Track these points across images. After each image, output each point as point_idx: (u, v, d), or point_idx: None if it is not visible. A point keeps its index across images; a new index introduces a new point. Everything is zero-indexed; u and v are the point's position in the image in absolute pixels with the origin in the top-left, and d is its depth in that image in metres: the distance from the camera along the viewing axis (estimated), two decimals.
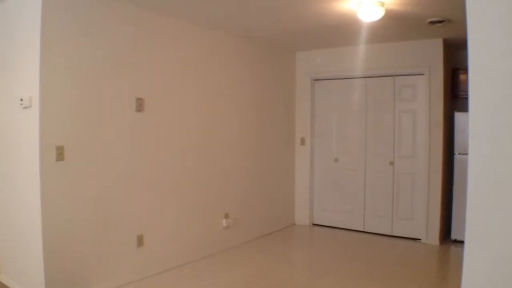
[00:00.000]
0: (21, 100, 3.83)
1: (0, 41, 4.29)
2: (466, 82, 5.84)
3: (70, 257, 3.96)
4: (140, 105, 4.49)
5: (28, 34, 3.85)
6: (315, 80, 6.99)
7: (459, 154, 5.87)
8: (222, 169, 5.60)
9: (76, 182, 3.97)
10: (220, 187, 5.58)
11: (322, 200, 7.00)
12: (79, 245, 4.01)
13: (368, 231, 6.55)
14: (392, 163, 6.31)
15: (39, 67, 3.68)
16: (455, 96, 6.35)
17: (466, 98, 2.49)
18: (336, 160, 6.81)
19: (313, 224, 7.06)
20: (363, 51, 6.40)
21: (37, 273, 3.84)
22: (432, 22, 4.90)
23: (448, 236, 6.08)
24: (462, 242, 5.19)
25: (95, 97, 4.10)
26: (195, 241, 5.21)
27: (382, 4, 4.23)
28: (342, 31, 5.47)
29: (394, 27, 5.21)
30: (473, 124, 2.08)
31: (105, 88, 4.19)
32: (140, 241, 4.53)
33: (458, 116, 5.91)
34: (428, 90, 5.93)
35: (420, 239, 6.07)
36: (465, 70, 5.37)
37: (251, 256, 5.43)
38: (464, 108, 5.84)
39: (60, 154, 3.80)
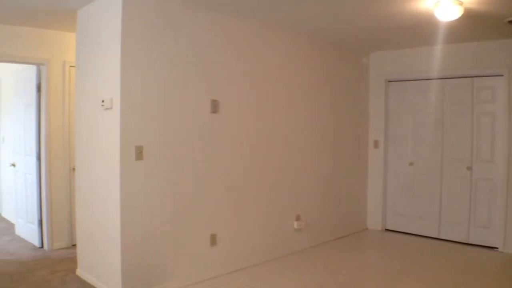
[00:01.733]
0: (103, 101, 4.05)
1: (84, 44, 4.56)
2: None
3: (146, 253, 4.13)
4: (215, 106, 4.60)
5: (109, 37, 4.06)
6: (390, 81, 6.85)
7: None
8: (295, 170, 5.61)
9: (154, 181, 4.14)
10: (292, 189, 5.59)
11: (395, 205, 6.84)
12: (155, 241, 4.17)
13: (442, 238, 6.33)
14: (469, 168, 6.06)
15: (119, 69, 3.88)
16: None
17: None
18: (411, 164, 6.63)
19: (386, 230, 6.92)
20: (440, 51, 6.21)
21: (115, 268, 4.03)
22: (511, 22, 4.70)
23: None
24: None
25: (172, 99, 4.26)
26: (266, 242, 5.25)
27: (461, 3, 4.09)
28: (418, 31, 5.34)
29: (472, 26, 5.02)
30: None
31: (182, 90, 4.33)
32: (213, 240, 4.64)
33: None
34: (508, 91, 5.66)
35: (497, 248, 5.79)
36: None
37: (321, 260, 5.40)
38: None
39: (139, 153, 3.98)
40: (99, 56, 4.26)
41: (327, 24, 5.17)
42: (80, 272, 4.68)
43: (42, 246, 5.73)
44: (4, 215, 7.83)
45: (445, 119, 6.31)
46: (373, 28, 5.27)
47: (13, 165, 6.37)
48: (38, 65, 5.60)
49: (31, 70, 5.76)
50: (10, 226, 6.98)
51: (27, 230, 6.06)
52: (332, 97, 6.20)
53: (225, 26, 4.72)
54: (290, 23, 5.14)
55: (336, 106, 6.27)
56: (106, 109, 4.03)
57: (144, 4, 4.03)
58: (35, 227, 5.78)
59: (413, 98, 6.65)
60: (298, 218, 5.63)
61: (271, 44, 5.26)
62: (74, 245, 5.56)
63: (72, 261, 5.08)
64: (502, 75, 5.73)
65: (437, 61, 6.26)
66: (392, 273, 4.93)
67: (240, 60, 4.90)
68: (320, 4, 4.36)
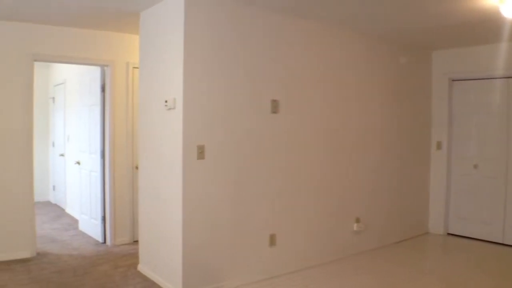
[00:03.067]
0: (166, 101, 4.13)
1: (147, 45, 4.67)
2: None
3: (206, 252, 4.18)
4: (275, 106, 4.60)
5: (172, 39, 4.13)
6: (453, 80, 6.62)
7: None
8: (355, 172, 5.52)
9: (214, 180, 4.18)
10: (352, 191, 5.51)
11: (459, 208, 6.60)
12: (215, 240, 4.22)
13: (508, 243, 6.05)
14: None
15: (182, 70, 3.94)
16: None
17: None
18: (475, 166, 6.38)
19: (448, 234, 6.70)
20: (506, 49, 5.94)
21: (176, 265, 4.11)
22: None
23: None
24: None
25: (233, 99, 4.29)
26: (325, 244, 5.20)
27: None
28: (483, 28, 5.13)
29: None
30: None
31: (242, 90, 4.36)
32: (272, 240, 4.64)
33: None
34: None
35: None
36: None
37: (381, 263, 5.29)
38: None
39: (201, 153, 4.03)
40: (162, 57, 4.34)
41: (389, 22, 5.06)
42: (142, 267, 4.79)
43: (104, 242, 5.92)
44: (68, 211, 8.13)
45: (511, 119, 6.04)
46: (436, 26, 5.11)
47: (78, 163, 6.61)
48: (103, 66, 5.79)
49: (95, 71, 5.96)
50: (74, 221, 7.25)
51: (91, 226, 6.27)
52: (393, 97, 6.06)
53: (286, 26, 4.70)
54: (352, 22, 5.06)
55: (397, 106, 6.12)
56: (169, 109, 4.11)
57: (206, 6, 4.08)
58: (98, 223, 5.98)
59: (478, 98, 6.39)
60: (358, 220, 5.54)
61: (332, 44, 5.20)
62: (136, 241, 5.72)
63: (133, 257, 5.22)
64: None
65: (503, 60, 5.99)
66: (454, 279, 4.76)
67: (301, 60, 4.87)
68: (386, 2, 4.27)
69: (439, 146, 6.67)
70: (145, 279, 4.58)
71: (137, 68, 5.65)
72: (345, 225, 5.45)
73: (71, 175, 7.82)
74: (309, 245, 5.01)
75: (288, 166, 4.78)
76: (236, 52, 4.30)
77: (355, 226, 5.51)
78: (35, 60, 5.36)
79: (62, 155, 8.41)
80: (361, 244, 5.62)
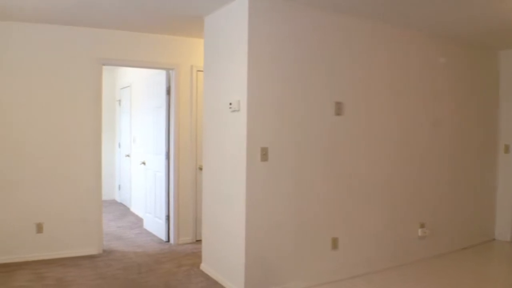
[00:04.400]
0: (230, 104, 4.19)
1: (211, 49, 4.75)
2: None
3: (269, 253, 4.20)
4: (339, 109, 4.57)
5: (236, 42, 4.19)
6: None
7: None
8: (419, 176, 5.38)
9: (278, 182, 4.20)
10: (416, 195, 5.36)
11: None
12: (278, 241, 4.23)
13: None
14: None
15: (246, 73, 3.99)
16: None
17: None
18: None
19: None
20: None
21: (238, 266, 4.15)
22: None
23: None
24: None
25: (296, 101, 4.30)
26: (388, 249, 5.10)
27: None
28: None
29: None
30: None
31: (306, 92, 4.36)
32: (334, 244, 4.61)
33: None
34: None
35: None
36: None
37: (445, 270, 5.12)
38: None
39: (264, 155, 4.07)
40: (226, 60, 4.42)
41: (454, 22, 4.91)
42: (204, 267, 4.88)
43: (168, 240, 6.07)
44: (132, 210, 8.40)
45: None
46: (502, 24, 4.91)
47: (144, 163, 6.81)
48: (168, 70, 5.95)
49: (160, 74, 6.13)
50: (139, 220, 7.48)
51: (155, 224, 6.45)
52: (458, 99, 5.86)
53: (348, 27, 4.66)
54: (415, 22, 4.94)
55: (462, 108, 5.92)
56: (234, 111, 4.17)
57: (269, 9, 4.11)
58: (162, 222, 6.14)
59: None
60: (422, 225, 5.40)
61: (395, 45, 5.09)
62: (198, 241, 5.84)
63: (196, 256, 5.32)
64: None
65: None
66: None
67: (365, 61, 4.81)
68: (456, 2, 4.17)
69: (507, 149, 6.39)
70: (207, 278, 4.66)
71: (200, 71, 5.80)
72: (409, 230, 5.32)
73: (136, 175, 8.08)
74: (372, 249, 4.94)
75: (351, 169, 4.72)
76: (300, 53, 4.30)
77: (419, 232, 5.38)
78: (104, 64, 5.59)
79: (127, 155, 8.71)
80: (425, 250, 5.47)
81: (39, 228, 5.21)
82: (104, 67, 5.60)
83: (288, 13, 4.22)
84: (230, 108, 4.20)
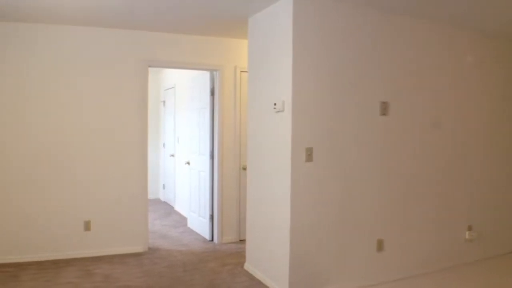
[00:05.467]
0: (275, 104, 4.20)
1: (255, 49, 4.78)
2: None
3: (313, 254, 4.18)
4: (384, 108, 4.50)
5: (281, 42, 4.19)
6: None
7: None
8: (466, 177, 5.23)
9: (322, 183, 4.18)
10: (464, 197, 5.22)
11: None
12: (322, 242, 4.21)
13: None
14: None
15: (291, 73, 3.99)
16: None
17: None
18: None
19: None
20: None
21: (282, 266, 4.15)
22: None
23: None
24: None
25: (341, 101, 4.26)
26: (435, 251, 4.97)
27: None
28: None
29: None
30: None
31: (350, 92, 4.32)
32: (379, 245, 4.54)
33: None
34: None
35: None
36: None
37: (492, 274, 4.96)
38: None
39: (309, 155, 4.05)
40: (270, 61, 4.43)
41: (509, 22, 4.76)
42: (248, 266, 4.90)
43: (212, 240, 6.13)
44: (177, 209, 8.53)
45: None
46: None
47: (188, 163, 6.90)
48: (212, 71, 6.01)
49: (204, 75, 6.20)
50: (183, 219, 7.58)
51: (199, 223, 6.52)
52: (507, 98, 5.68)
53: (394, 25, 4.58)
54: (466, 21, 4.83)
55: (510, 106, 5.74)
56: (278, 111, 4.17)
57: (314, 8, 4.09)
58: (206, 221, 6.21)
59: None
60: (470, 228, 5.26)
61: (441, 43, 4.96)
62: (242, 240, 5.87)
63: (240, 256, 5.35)
64: None
65: None
66: None
67: (410, 60, 4.71)
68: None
69: None
70: (251, 277, 4.69)
71: (244, 72, 5.83)
72: (456, 232, 5.19)
73: (180, 174, 8.20)
74: (418, 252, 4.84)
75: (397, 170, 4.64)
76: (344, 53, 4.27)
77: (467, 234, 5.24)
78: (150, 66, 5.69)
79: (172, 155, 8.85)
80: (472, 253, 5.32)
81: (87, 225, 5.36)
82: (149, 68, 5.70)
83: (334, 12, 4.19)
84: (275, 108, 4.20)
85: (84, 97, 5.32)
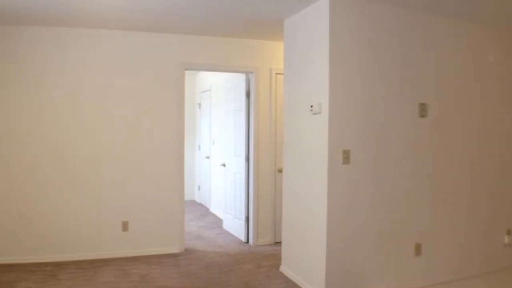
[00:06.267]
0: (311, 106, 4.18)
1: (291, 51, 4.77)
2: None
3: (349, 257, 4.14)
4: (423, 110, 4.43)
5: (317, 44, 4.17)
6: None
7: None
8: (506, 181, 5.09)
9: (359, 185, 4.14)
10: (503, 201, 5.08)
11: None
12: (358, 246, 4.17)
13: None
14: None
15: (328, 75, 3.97)
16: None
17: None
18: None
19: None
20: None
21: (319, 269, 4.13)
22: None
23: None
24: None
25: (379, 103, 4.21)
26: (473, 256, 4.85)
27: None
28: None
29: None
30: None
31: (388, 94, 4.26)
32: (417, 250, 4.46)
33: None
34: None
35: None
36: None
37: None
38: None
39: (346, 157, 4.02)
40: (307, 63, 4.41)
41: None
42: (284, 269, 4.89)
43: (247, 241, 6.14)
44: (212, 210, 8.59)
45: None
46: None
47: (223, 165, 6.94)
48: (247, 73, 6.03)
49: (240, 78, 6.23)
50: (218, 220, 7.63)
51: (234, 225, 6.55)
52: None
53: (434, 26, 4.50)
54: (501, 20, 4.70)
55: None
56: (315, 113, 4.16)
57: (350, 10, 4.07)
58: (241, 223, 6.23)
59: None
60: (509, 232, 5.12)
61: (480, 43, 4.86)
62: (277, 243, 5.88)
63: (275, 258, 5.35)
64: None
65: None
66: None
67: (449, 61, 4.62)
68: None
69: None
70: (287, 280, 4.68)
71: (280, 74, 5.83)
72: (495, 237, 5.05)
73: (216, 176, 8.25)
74: (456, 256, 4.73)
75: (436, 173, 4.56)
76: (381, 55, 4.22)
77: (506, 238, 5.09)
78: (186, 69, 5.77)
79: (207, 157, 8.92)
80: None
81: (125, 226, 5.45)
82: (185, 71, 5.77)
83: (370, 13, 4.15)
84: (311, 110, 4.18)
85: (123, 100, 5.43)
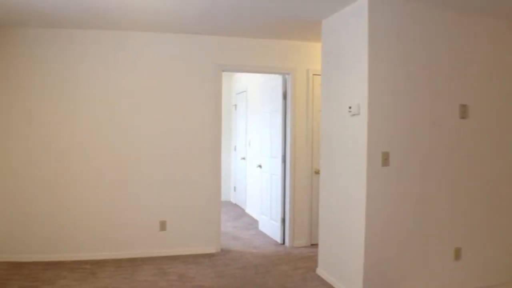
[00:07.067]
0: (350, 107, 4.14)
1: (329, 52, 4.74)
2: None
3: (388, 261, 4.08)
4: (464, 111, 4.32)
5: (356, 45, 4.13)
6: None
7: None
8: None
9: (398, 188, 4.08)
10: None
11: None
12: (397, 249, 4.10)
13: None
14: None
15: (367, 76, 3.92)
16: None
17: None
18: None
19: None
20: None
21: (356, 273, 4.08)
22: None
23: None
24: None
25: (418, 104, 4.14)
26: None
27: None
28: None
29: None
30: None
31: (428, 95, 4.18)
32: (457, 254, 4.35)
33: None
34: None
35: None
36: None
37: None
38: None
39: (385, 160, 3.97)
40: (345, 63, 4.37)
41: None
42: (320, 271, 4.86)
43: (283, 243, 6.13)
44: (247, 211, 8.61)
45: None
46: None
47: (260, 166, 6.95)
48: (284, 74, 6.02)
49: (276, 79, 6.23)
50: (254, 221, 7.64)
51: (270, 226, 6.55)
52: None
53: (472, 26, 4.39)
54: None
55: None
56: (353, 115, 4.12)
57: (389, 10, 4.01)
58: (277, 224, 6.22)
59: None
60: None
61: None
62: (313, 245, 5.85)
63: (311, 260, 5.32)
64: None
65: None
66: None
67: (489, 62, 4.49)
68: None
69: None
70: (323, 282, 4.64)
71: (316, 75, 5.80)
72: None
73: (252, 177, 8.27)
74: (497, 260, 4.58)
75: (476, 176, 4.44)
76: (421, 55, 4.14)
77: None
78: (223, 71, 5.80)
79: (243, 158, 8.94)
80: None
81: (162, 225, 5.52)
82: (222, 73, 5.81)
83: (409, 13, 4.09)
84: (350, 111, 4.15)
85: (161, 102, 5.52)
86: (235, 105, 9.70)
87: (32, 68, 5.17)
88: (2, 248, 5.13)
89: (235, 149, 9.78)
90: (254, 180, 8.01)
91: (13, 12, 4.51)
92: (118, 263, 5.17)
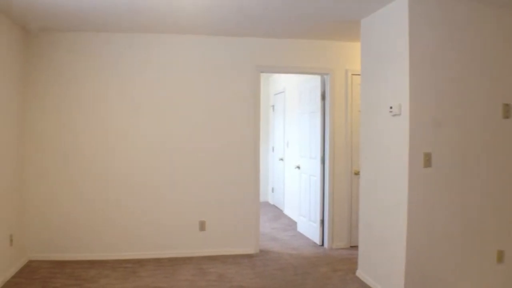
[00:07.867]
0: (391, 108, 4.09)
1: (368, 52, 4.69)
2: None
3: (429, 264, 4.00)
4: (507, 111, 4.19)
5: (396, 44, 4.07)
6: None
7: None
8: None
9: (441, 189, 3.99)
10: None
11: None
12: (438, 252, 4.02)
13: None
14: None
15: (408, 76, 3.86)
16: None
17: None
18: None
19: None
20: None
21: (397, 275, 4.02)
22: None
23: None
24: None
25: (460, 104, 4.04)
26: None
27: None
28: None
29: None
30: None
31: (470, 94, 4.07)
32: (499, 257, 4.22)
33: None
34: None
35: None
36: None
37: None
38: None
39: (427, 160, 3.89)
40: (385, 63, 4.31)
41: None
42: (360, 273, 4.81)
43: (322, 244, 6.09)
44: (286, 212, 8.60)
45: None
46: None
47: (298, 167, 6.93)
48: (322, 74, 5.98)
49: (314, 80, 6.20)
50: (292, 223, 7.63)
51: (309, 228, 6.52)
52: None
53: None
54: None
55: None
56: (394, 115, 4.06)
57: (430, 9, 3.93)
58: (316, 225, 6.18)
59: None
60: None
61: None
62: (352, 247, 5.79)
63: (351, 262, 5.27)
64: None
65: None
66: None
67: None
68: None
69: None
70: (363, 285, 4.60)
71: (355, 75, 5.75)
72: None
73: (290, 178, 8.25)
74: None
75: None
76: (463, 53, 4.04)
77: None
78: (262, 72, 5.82)
79: (281, 159, 8.94)
80: None
81: (202, 226, 5.58)
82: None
83: (450, 11, 4.00)
84: (391, 112, 4.09)
85: (201, 104, 5.59)
86: (273, 106, 9.71)
87: (68, 72, 5.34)
88: (46, 247, 5.29)
89: (273, 150, 9.78)
90: (292, 181, 7.99)
91: (49, 17, 4.65)
92: (158, 262, 5.25)
